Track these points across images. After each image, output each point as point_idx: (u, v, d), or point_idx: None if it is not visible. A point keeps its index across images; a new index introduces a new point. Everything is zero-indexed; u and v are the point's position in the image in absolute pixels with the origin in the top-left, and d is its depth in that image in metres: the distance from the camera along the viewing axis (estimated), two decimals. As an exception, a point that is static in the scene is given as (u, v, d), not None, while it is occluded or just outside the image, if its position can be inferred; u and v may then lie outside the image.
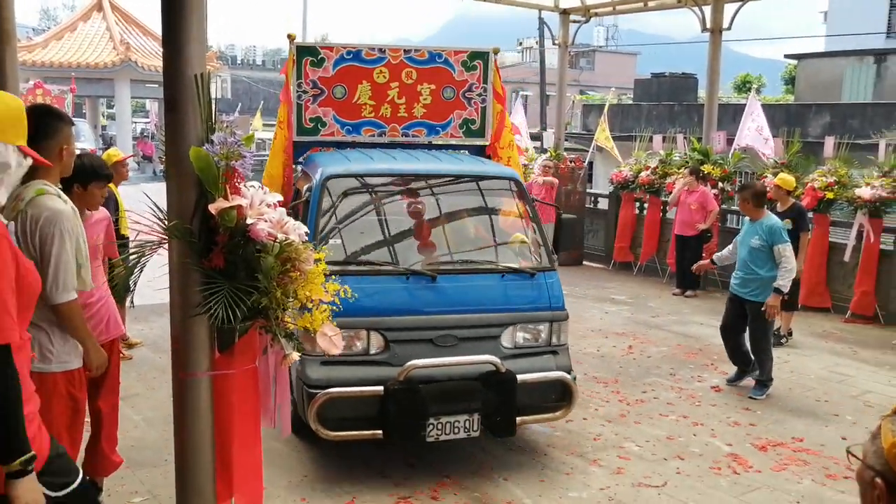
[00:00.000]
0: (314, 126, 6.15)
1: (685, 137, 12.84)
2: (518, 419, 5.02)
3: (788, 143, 10.94)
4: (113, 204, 6.21)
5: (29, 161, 2.29)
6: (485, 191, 5.74)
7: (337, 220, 5.23)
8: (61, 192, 3.44)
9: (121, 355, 4.73)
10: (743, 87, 38.16)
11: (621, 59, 53.49)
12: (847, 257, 9.92)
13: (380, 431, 4.77)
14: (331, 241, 4.95)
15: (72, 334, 3.51)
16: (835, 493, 5.00)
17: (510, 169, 6.08)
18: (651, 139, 13.29)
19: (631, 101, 30.54)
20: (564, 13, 14.32)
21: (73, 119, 3.83)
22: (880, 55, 24.88)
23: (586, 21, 14.52)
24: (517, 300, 5.20)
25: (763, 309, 6.62)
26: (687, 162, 11.75)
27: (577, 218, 13.48)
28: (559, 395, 5.19)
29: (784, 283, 6.54)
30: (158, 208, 3.12)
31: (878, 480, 1.37)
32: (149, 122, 40.16)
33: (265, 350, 3.33)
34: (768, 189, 9.17)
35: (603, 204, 14.37)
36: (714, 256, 7.52)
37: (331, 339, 3.29)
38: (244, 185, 3.14)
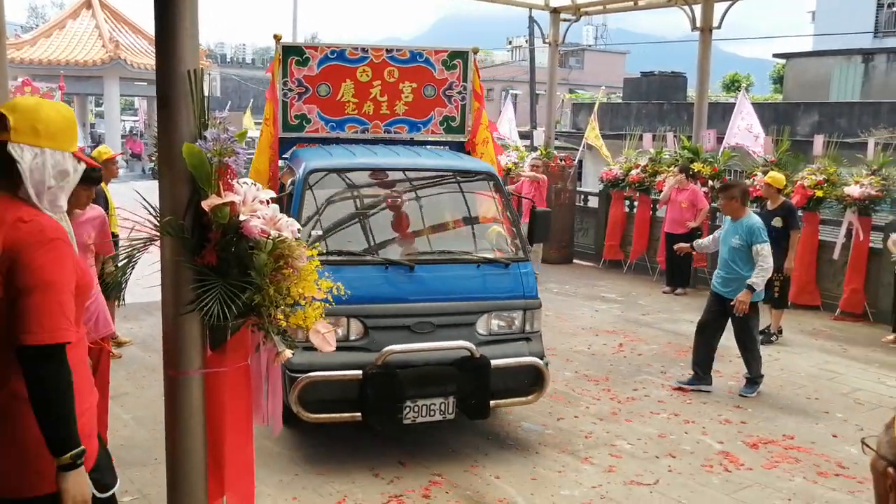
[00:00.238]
0: (299, 123, 6.31)
1: (675, 136, 12.87)
2: (492, 402, 5.24)
3: (778, 142, 10.98)
4: (103, 202, 6.17)
5: (83, 166, 2.34)
6: (462, 185, 5.99)
7: (319, 212, 5.42)
8: None
9: (110, 354, 4.68)
10: (732, 86, 38.32)
11: (610, 58, 53.59)
12: (836, 255, 9.97)
13: (359, 414, 4.96)
14: (313, 233, 5.06)
15: None
16: (826, 491, 5.02)
17: (487, 164, 6.32)
18: (641, 137, 13.31)
19: (620, 100, 30.60)
20: (555, 12, 14.32)
21: None
22: (868, 55, 25.02)
23: (577, 20, 14.51)
24: (492, 289, 5.45)
25: (732, 303, 6.61)
26: (677, 160, 11.77)
27: (567, 215, 13.50)
28: (532, 380, 5.43)
29: (758, 280, 6.50)
30: (150, 205, 3.10)
31: (891, 470, 1.38)
32: (137, 121, 39.99)
33: (257, 347, 3.31)
34: (759, 187, 9.23)
35: (593, 202, 14.38)
36: (694, 243, 7.56)
37: (324, 337, 3.27)
38: (237, 182, 3.12)
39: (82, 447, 2.09)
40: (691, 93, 28.27)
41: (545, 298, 10.35)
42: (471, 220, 6.05)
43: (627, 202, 13.10)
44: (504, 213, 5.88)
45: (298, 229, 3.23)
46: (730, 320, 6.84)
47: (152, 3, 3.10)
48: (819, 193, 9.85)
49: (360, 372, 4.89)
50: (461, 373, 5.09)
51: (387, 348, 4.94)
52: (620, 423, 6.10)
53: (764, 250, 6.52)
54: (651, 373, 7.39)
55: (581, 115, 27.63)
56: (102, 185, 6.38)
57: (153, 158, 28.38)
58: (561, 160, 13.83)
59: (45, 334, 1.99)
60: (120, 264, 3.49)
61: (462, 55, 6.59)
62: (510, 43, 58.21)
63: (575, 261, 13.64)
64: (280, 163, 6.60)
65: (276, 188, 6.02)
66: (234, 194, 3.05)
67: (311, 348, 3.16)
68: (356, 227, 5.67)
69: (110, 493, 2.47)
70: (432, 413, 5.09)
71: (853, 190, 9.55)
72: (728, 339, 8.55)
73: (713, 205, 11.34)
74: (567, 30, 14.66)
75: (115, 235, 5.84)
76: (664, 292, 11.13)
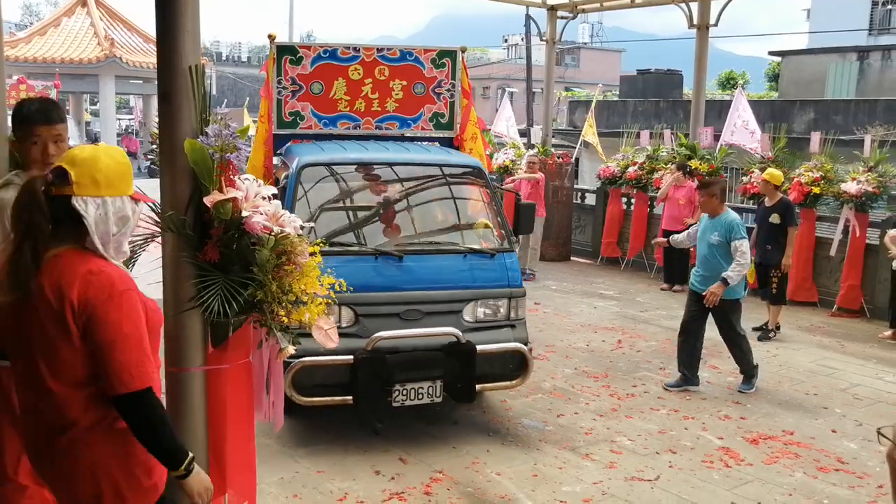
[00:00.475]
0: (293, 120, 6.49)
1: (672, 133, 12.88)
2: (478, 386, 5.52)
3: (775, 139, 11.00)
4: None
5: (141, 206, 2.42)
6: (450, 178, 6.26)
7: (311, 204, 5.65)
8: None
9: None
10: (727, 83, 38.36)
11: (606, 56, 53.66)
12: (833, 252, 10.00)
13: (350, 397, 5.18)
14: (305, 225, 5.07)
15: None
16: (826, 486, 5.03)
17: (474, 159, 6.50)
18: (638, 135, 13.32)
19: (617, 98, 30.60)
20: (552, 9, 14.31)
21: None
22: (863, 52, 25.06)
23: (574, 17, 14.50)
24: (478, 278, 5.69)
25: (704, 294, 6.62)
26: (674, 157, 11.78)
27: (564, 213, 13.51)
28: (516, 365, 5.64)
29: (733, 275, 6.48)
30: (152, 201, 3.09)
31: None
32: (133, 119, 39.90)
33: (259, 344, 3.30)
34: (756, 184, 9.24)
35: (590, 200, 14.39)
36: (671, 238, 7.53)
37: (326, 333, 3.27)
38: (239, 178, 3.11)
39: (190, 455, 2.31)
40: (687, 90, 28.29)
41: (543, 296, 10.44)
42: (458, 213, 6.27)
43: (625, 199, 13.12)
44: (490, 206, 6.12)
45: (301, 225, 3.22)
46: (714, 318, 6.82)
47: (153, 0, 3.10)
48: (816, 190, 9.88)
49: (351, 357, 5.08)
50: (448, 358, 5.34)
51: (376, 334, 5.17)
52: (620, 420, 6.11)
53: (742, 246, 6.49)
54: (650, 369, 7.40)
55: (577, 113, 27.63)
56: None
57: (149, 156, 28.36)
58: (558, 158, 13.84)
59: (135, 382, 2.16)
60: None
61: (450, 54, 6.78)
62: (506, 41, 58.23)
63: (573, 258, 13.64)
64: (275, 159, 6.71)
65: (272, 183, 6.05)
66: (237, 190, 3.04)
67: (304, 334, 3.20)
68: (347, 219, 5.98)
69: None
70: (420, 396, 5.33)
71: (850, 186, 9.58)
72: (726, 336, 8.58)
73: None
74: (564, 27, 14.66)
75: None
76: (662, 289, 11.14)
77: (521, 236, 11.93)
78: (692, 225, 10.50)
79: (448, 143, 6.94)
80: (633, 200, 12.85)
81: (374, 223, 5.98)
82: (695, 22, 12.15)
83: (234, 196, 3.00)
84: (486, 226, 6.09)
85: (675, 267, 11.14)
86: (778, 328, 8.70)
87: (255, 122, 7.86)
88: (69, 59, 25.11)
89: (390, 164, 6.12)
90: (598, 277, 12.06)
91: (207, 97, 3.14)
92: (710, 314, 6.77)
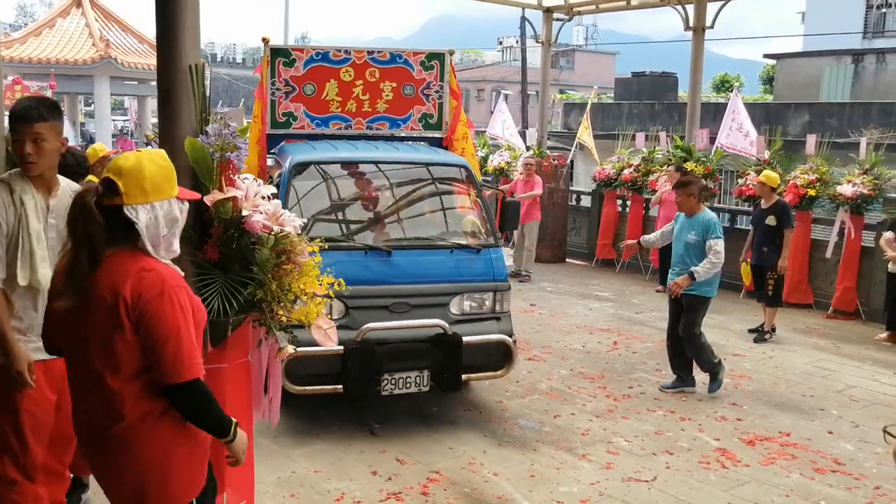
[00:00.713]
0: (286, 120, 6.66)
1: (668, 135, 12.90)
2: (464, 376, 5.76)
3: (770, 142, 11.02)
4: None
5: (186, 205, 2.51)
6: (438, 177, 6.46)
7: (304, 201, 5.84)
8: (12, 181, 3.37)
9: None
10: (722, 86, 38.44)
11: (601, 58, 53.72)
12: (829, 254, 10.02)
13: (340, 386, 5.40)
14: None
15: None
16: (823, 487, 5.04)
17: (461, 158, 6.69)
18: (634, 137, 13.34)
19: (612, 100, 30.64)
20: (548, 11, 14.34)
21: None
22: (858, 55, 25.13)
23: (569, 19, 14.55)
24: (464, 273, 5.89)
25: (669, 286, 6.61)
26: (670, 160, 11.79)
27: (560, 215, 13.52)
28: (501, 356, 5.86)
29: (701, 271, 6.46)
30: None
31: None
32: (128, 120, 39.77)
33: (259, 343, 3.30)
34: (752, 186, 9.25)
35: (585, 201, 14.40)
36: (641, 238, 7.45)
37: (326, 333, 3.27)
38: (239, 177, 3.11)
39: (234, 421, 2.49)
40: (682, 93, 28.34)
41: (539, 297, 10.46)
42: (445, 210, 6.48)
43: (620, 201, 13.14)
44: (476, 203, 6.34)
45: (300, 224, 3.22)
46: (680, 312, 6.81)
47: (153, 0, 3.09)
48: (812, 192, 9.91)
49: (341, 348, 5.21)
50: (435, 349, 5.57)
51: (366, 326, 5.40)
52: (617, 421, 6.11)
53: (717, 245, 6.46)
54: (646, 370, 7.41)
55: (572, 116, 27.63)
56: (97, 181, 6.34)
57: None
58: (553, 160, 13.85)
59: (186, 373, 2.29)
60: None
61: (439, 56, 6.96)
62: (501, 43, 58.26)
63: (568, 260, 13.65)
64: (269, 158, 6.96)
65: (265, 181, 6.13)
66: (237, 189, 3.05)
67: (297, 326, 3.24)
68: (338, 215, 6.19)
69: None
70: (408, 385, 5.57)
71: (846, 189, 9.60)
72: (721, 338, 8.62)
73: (706, 204, 11.38)
74: (560, 29, 14.68)
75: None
76: (657, 291, 11.14)
77: (516, 239, 11.99)
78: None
79: (437, 143, 7.10)
80: (628, 202, 12.87)
81: (364, 219, 6.20)
82: (691, 24, 12.19)
83: (235, 195, 3.01)
84: (473, 222, 6.30)
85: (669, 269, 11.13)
86: (774, 330, 8.72)
87: (247, 122, 7.91)
88: (64, 60, 25.04)
89: (380, 163, 6.31)
90: (593, 279, 12.07)
91: (207, 96, 3.15)
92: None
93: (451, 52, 7.08)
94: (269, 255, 3.05)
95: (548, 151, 14.47)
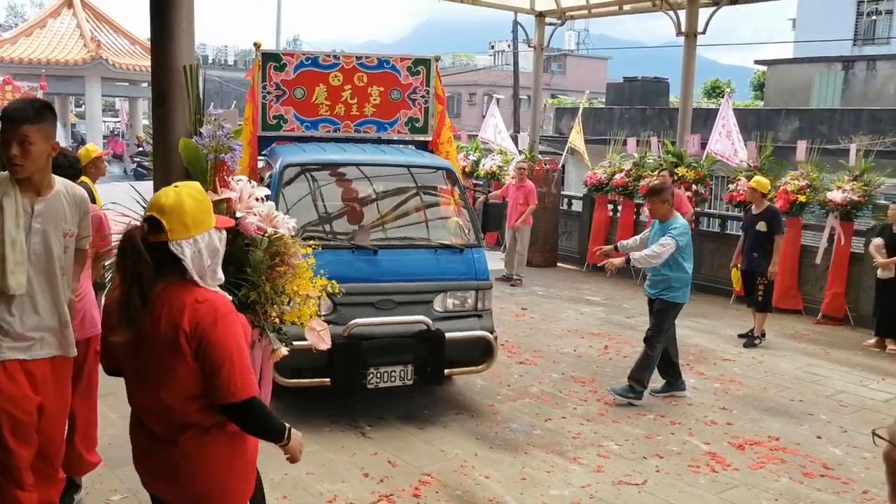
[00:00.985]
0: (277, 123, 6.84)
1: (659, 140, 12.95)
2: (446, 371, 6.00)
3: (761, 148, 11.09)
4: (90, 200, 6.11)
5: (224, 233, 2.64)
6: (422, 179, 6.65)
7: (293, 201, 6.00)
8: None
9: (98, 353, 4.62)
10: (713, 92, 38.60)
11: (592, 63, 53.85)
12: (819, 260, 10.08)
13: (328, 380, 5.57)
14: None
15: None
16: (812, 491, 5.07)
17: (445, 161, 6.92)
18: (625, 142, 13.39)
19: (603, 105, 30.73)
20: (540, 16, 14.39)
21: None
22: (848, 62, 25.29)
23: (562, 24, 14.60)
24: (447, 271, 6.12)
25: (603, 264, 6.76)
26: (661, 165, 11.84)
27: (551, 219, 13.56)
28: (482, 352, 6.10)
29: (639, 256, 6.48)
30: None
31: None
32: (119, 121, 39.67)
33: (253, 345, 3.30)
34: (743, 192, 9.27)
35: (577, 206, 14.44)
36: (619, 244, 7.27)
37: (319, 335, 3.27)
38: (233, 179, 3.12)
39: (288, 426, 2.65)
40: (673, 98, 28.45)
41: (531, 301, 10.48)
42: (429, 211, 6.68)
43: (611, 206, 13.18)
44: (460, 205, 6.55)
45: (294, 226, 3.23)
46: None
47: (147, 0, 3.10)
48: (802, 198, 9.97)
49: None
50: (419, 344, 5.79)
51: (352, 321, 5.60)
52: (608, 424, 6.13)
53: (667, 243, 6.41)
54: (637, 375, 7.41)
55: (564, 120, 27.70)
56: (90, 183, 6.32)
57: (135, 159, 28.21)
58: (545, 164, 13.89)
59: (242, 392, 2.47)
60: (112, 262, 3.47)
61: (425, 62, 7.17)
62: (493, 47, 58.32)
63: (559, 264, 13.69)
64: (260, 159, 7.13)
65: (256, 182, 6.21)
66: (231, 191, 3.05)
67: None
68: (326, 215, 6.36)
69: None
70: (393, 379, 5.80)
71: (836, 195, 9.66)
72: (711, 343, 8.66)
73: (696, 209, 11.45)
74: (552, 34, 14.73)
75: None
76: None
77: (508, 243, 12.01)
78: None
79: (423, 146, 7.29)
80: (619, 207, 12.91)
81: (351, 219, 6.40)
82: (682, 29, 12.24)
83: (229, 197, 3.01)
84: (456, 223, 6.52)
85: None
86: (763, 335, 8.76)
87: (238, 125, 7.98)
88: (55, 61, 24.98)
89: (367, 165, 6.50)
90: (584, 283, 12.10)
91: (202, 98, 3.15)
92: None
93: (437, 59, 7.30)
94: (262, 257, 3.06)
95: (539, 156, 14.50)
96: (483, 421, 6.09)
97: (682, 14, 12.25)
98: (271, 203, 3.17)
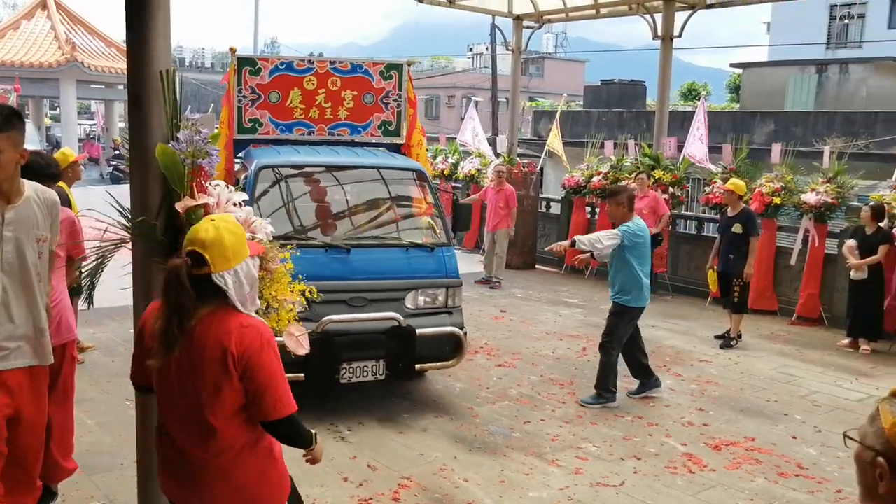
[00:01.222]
0: (252, 126, 6.99)
1: (636, 143, 13.04)
2: (417, 366, 6.15)
3: (736, 150, 11.20)
4: (65, 204, 6.05)
5: (257, 259, 2.79)
6: (394, 180, 6.83)
7: (267, 202, 6.18)
8: None
9: (74, 360, 4.58)
10: (689, 94, 38.91)
11: (570, 66, 54.04)
12: (793, 261, 10.19)
13: (301, 375, 5.56)
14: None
15: None
16: (786, 491, 5.13)
17: (416, 162, 7.10)
18: (602, 145, 13.46)
19: (581, 108, 30.89)
20: (518, 19, 14.45)
21: None
22: (821, 65, 25.60)
23: (539, 27, 14.65)
24: (418, 270, 6.28)
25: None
26: (638, 167, 11.92)
27: (530, 221, 13.60)
28: (452, 347, 6.24)
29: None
30: (122, 207, 3.07)
31: (881, 459, 1.45)
32: (95, 124, 39.31)
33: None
34: (719, 194, 9.35)
35: (555, 208, 14.50)
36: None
37: (297, 340, 3.27)
38: (210, 184, 3.11)
39: (314, 433, 2.88)
40: (650, 101, 28.64)
41: (509, 304, 10.51)
42: (401, 211, 6.84)
43: (589, 208, 13.24)
44: (430, 205, 6.71)
45: (272, 231, 3.23)
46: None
47: (122, 3, 3.08)
48: (777, 200, 10.08)
49: None
50: (390, 340, 5.94)
51: (325, 318, 5.68)
52: (586, 426, 6.17)
53: (615, 235, 6.44)
54: (615, 376, 7.46)
55: (542, 123, 27.82)
56: (66, 188, 6.27)
57: (111, 162, 27.95)
58: (524, 167, 13.94)
59: (284, 409, 2.68)
60: (89, 267, 3.45)
61: (397, 67, 7.36)
62: (471, 50, 58.42)
63: (538, 266, 13.73)
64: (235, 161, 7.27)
65: (232, 183, 6.45)
66: (208, 196, 3.04)
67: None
68: (300, 215, 6.46)
69: None
70: (365, 374, 5.92)
71: (810, 197, 9.78)
72: (687, 344, 8.74)
73: (673, 211, 11.54)
74: (530, 37, 14.78)
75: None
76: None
77: (487, 246, 12.04)
78: (656, 235, 10.70)
79: (396, 148, 7.48)
80: (597, 209, 12.98)
81: (325, 219, 6.56)
82: (659, 33, 12.34)
83: (206, 202, 3.01)
84: (427, 223, 6.69)
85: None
86: (739, 336, 8.84)
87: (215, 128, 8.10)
88: (29, 63, 24.71)
89: (340, 167, 6.65)
90: (563, 286, 12.15)
91: (179, 102, 3.14)
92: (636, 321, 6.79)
93: (410, 63, 7.52)
94: (240, 262, 3.05)
95: (518, 158, 14.55)
96: (462, 424, 6.10)
97: (659, 18, 12.34)
98: (249, 208, 3.17)
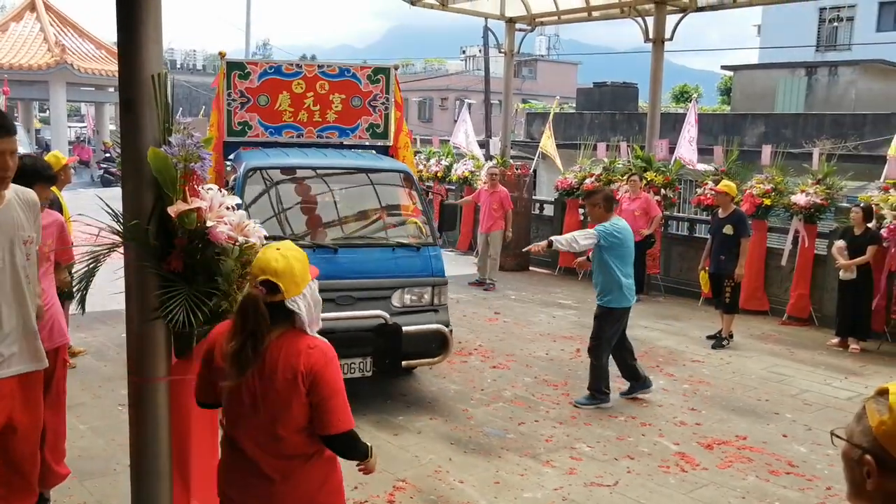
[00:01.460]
0: (242, 129, 7.07)
1: (629, 145, 13.08)
2: (404, 362, 6.26)
3: (727, 152, 11.25)
4: (56, 208, 6.04)
5: (316, 282, 2.91)
6: (381, 181, 6.94)
7: (257, 203, 6.26)
8: None
9: (66, 364, 4.57)
10: (681, 97, 39.02)
11: (563, 68, 54.13)
12: (784, 262, 10.24)
13: None
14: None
15: None
16: (778, 489, 5.16)
17: (403, 164, 7.24)
18: (595, 147, 13.50)
19: (574, 110, 30.94)
20: (510, 21, 14.48)
21: None
22: (811, 68, 25.72)
23: (532, 30, 14.70)
24: (405, 269, 6.39)
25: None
26: (630, 169, 11.96)
27: (523, 223, 13.63)
28: (438, 344, 6.35)
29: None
30: (114, 211, 3.07)
31: (868, 457, 1.47)
32: (85, 127, 39.15)
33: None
34: (711, 195, 9.39)
35: (548, 210, 14.52)
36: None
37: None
38: (202, 188, 3.11)
39: (370, 445, 2.99)
40: (643, 103, 28.71)
41: (503, 306, 10.54)
42: (388, 211, 6.93)
43: (582, 210, 13.26)
44: (416, 205, 6.84)
45: (265, 234, 3.23)
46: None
47: (114, 5, 3.08)
48: (767, 202, 10.14)
49: None
50: (377, 337, 6.06)
51: None
52: (579, 427, 6.19)
53: (591, 234, 6.49)
54: (607, 377, 7.48)
55: (535, 125, 27.87)
56: (57, 191, 6.26)
57: (102, 165, 27.87)
58: (517, 169, 13.97)
59: (343, 425, 2.82)
60: (81, 272, 3.45)
61: (384, 71, 7.47)
62: (464, 52, 58.43)
63: (531, 268, 13.76)
64: (225, 163, 7.37)
65: (222, 186, 6.44)
66: (201, 200, 3.04)
67: None
68: (288, 216, 6.57)
69: None
70: (353, 370, 6.00)
71: (799, 198, 9.84)
72: (679, 344, 8.77)
73: (665, 212, 11.58)
74: (522, 40, 14.82)
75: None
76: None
77: (480, 248, 12.06)
78: (648, 236, 10.75)
79: (383, 151, 7.61)
80: (590, 211, 12.99)
81: (312, 220, 6.66)
82: (650, 36, 12.38)
83: (199, 206, 3.01)
84: (413, 223, 6.81)
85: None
86: (731, 336, 8.88)
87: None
88: (18, 65, 24.59)
89: (328, 169, 6.79)
90: (556, 287, 12.18)
91: (171, 106, 3.14)
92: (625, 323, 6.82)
93: (396, 67, 7.69)
94: (233, 266, 3.05)
95: (511, 161, 14.58)
96: (457, 425, 6.12)
97: (650, 21, 12.39)
98: (242, 212, 3.17)
